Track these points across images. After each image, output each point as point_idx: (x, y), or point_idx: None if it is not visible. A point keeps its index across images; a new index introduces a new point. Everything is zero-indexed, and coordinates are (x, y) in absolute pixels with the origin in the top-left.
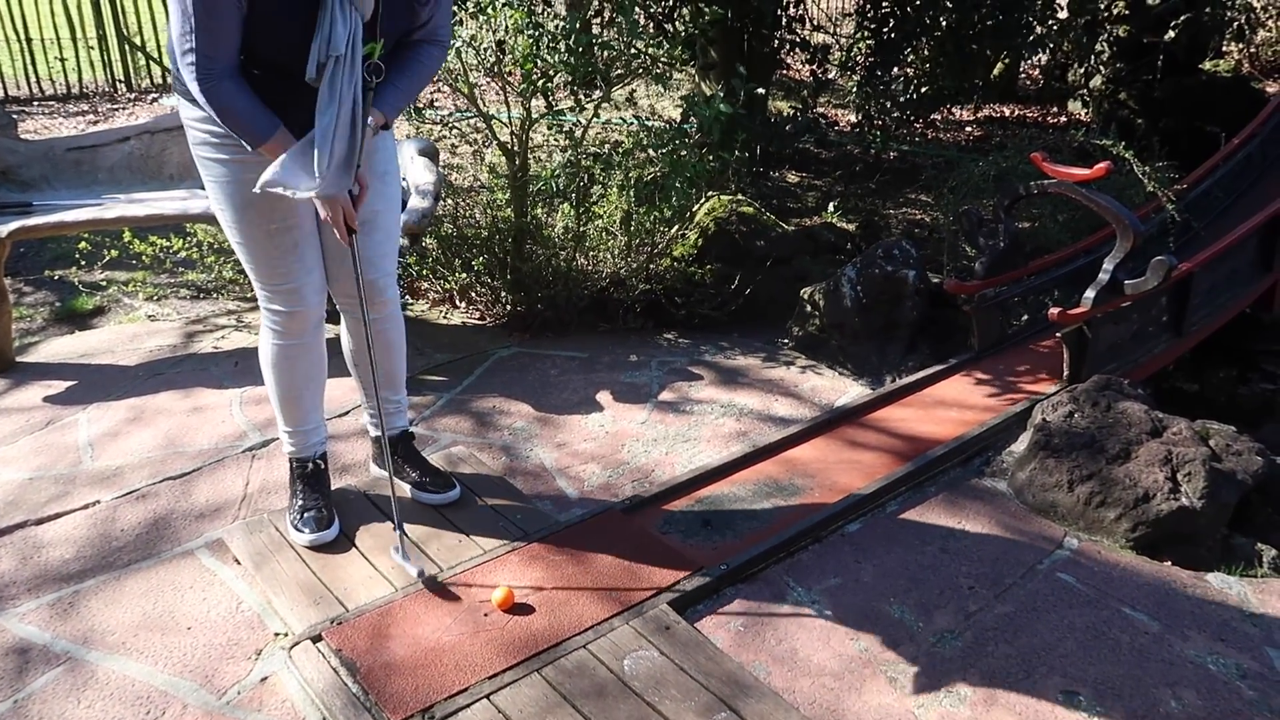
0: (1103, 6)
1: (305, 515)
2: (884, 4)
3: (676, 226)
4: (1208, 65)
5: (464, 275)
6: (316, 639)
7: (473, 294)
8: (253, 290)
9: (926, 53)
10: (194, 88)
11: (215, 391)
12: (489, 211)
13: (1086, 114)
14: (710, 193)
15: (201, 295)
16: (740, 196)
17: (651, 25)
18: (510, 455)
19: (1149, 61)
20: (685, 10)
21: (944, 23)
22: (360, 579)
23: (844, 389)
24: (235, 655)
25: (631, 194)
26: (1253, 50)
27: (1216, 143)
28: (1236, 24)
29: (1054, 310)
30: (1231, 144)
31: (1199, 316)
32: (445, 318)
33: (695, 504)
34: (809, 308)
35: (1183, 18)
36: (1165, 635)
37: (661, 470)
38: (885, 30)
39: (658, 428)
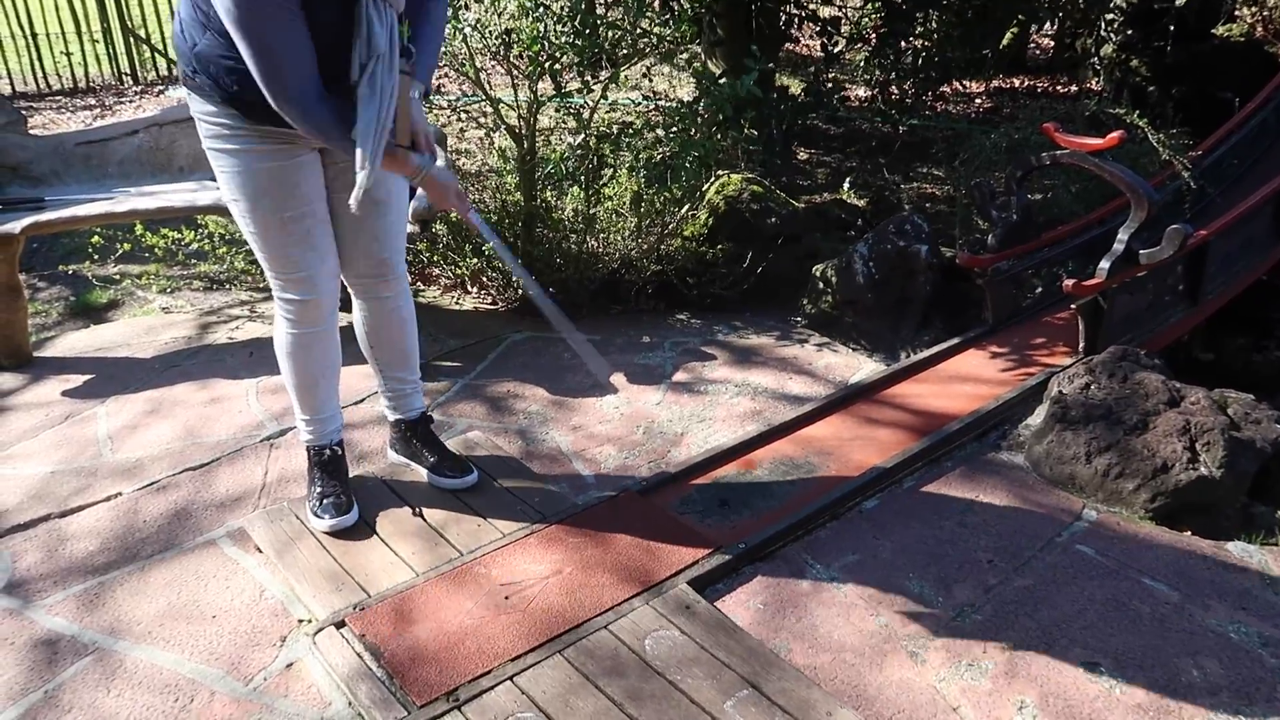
0: None
1: (324, 502)
2: None
3: (687, 206)
4: (1220, 30)
5: (475, 260)
6: (340, 625)
7: (484, 279)
8: (265, 280)
9: (936, 24)
10: (299, 125)
11: (231, 382)
12: (498, 195)
13: (1097, 83)
14: (721, 171)
15: (214, 286)
16: (751, 175)
17: (657, 3)
18: (526, 439)
19: (1160, 28)
20: None
21: None
22: (381, 565)
23: (858, 366)
24: (260, 642)
25: (642, 175)
26: (1266, 13)
27: (1230, 109)
28: None
29: (1068, 282)
30: (1245, 110)
31: (1215, 285)
32: (458, 304)
33: (712, 484)
34: (821, 285)
35: None
36: (1186, 605)
37: (677, 451)
38: (896, 0)
39: (672, 408)
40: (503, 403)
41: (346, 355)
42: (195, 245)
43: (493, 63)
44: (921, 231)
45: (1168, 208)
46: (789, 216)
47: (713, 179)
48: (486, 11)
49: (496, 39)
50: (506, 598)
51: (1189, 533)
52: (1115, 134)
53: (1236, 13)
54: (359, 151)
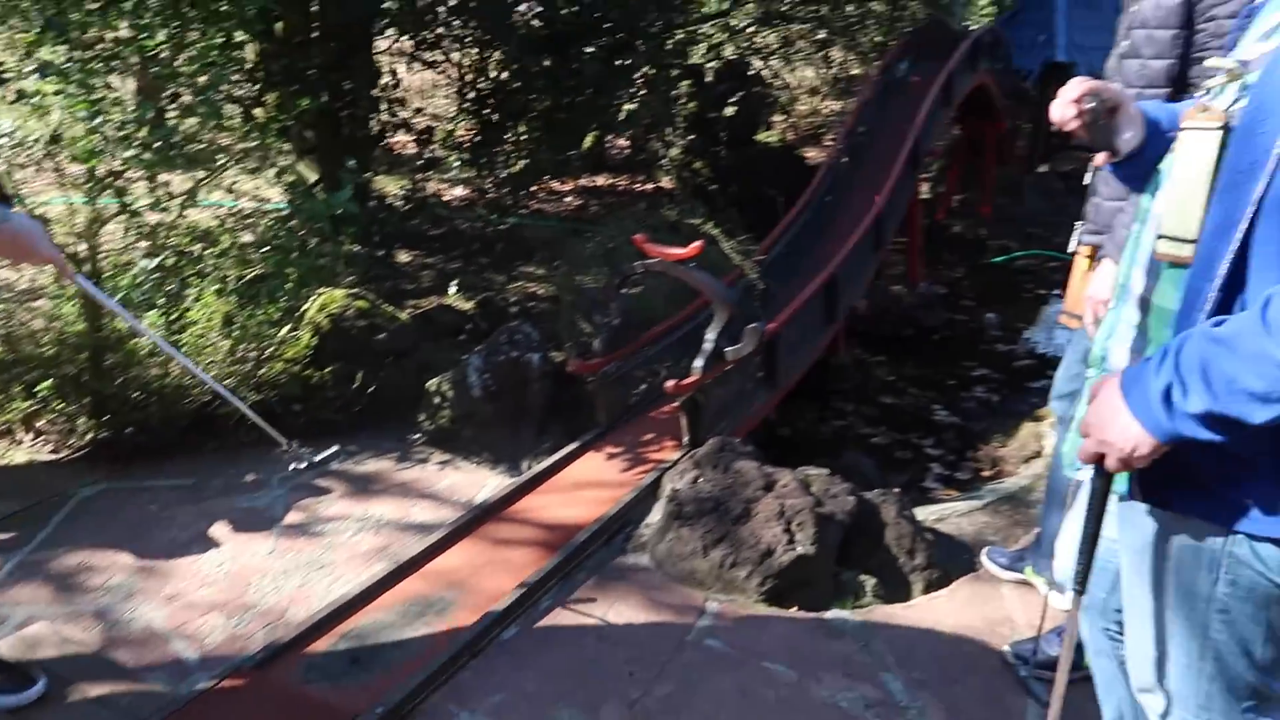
0: (674, 90)
1: None
2: (480, 87)
3: (287, 327)
4: (761, 136)
5: (26, 402)
6: None
7: (40, 423)
8: None
9: (525, 131)
10: None
11: None
12: (53, 325)
13: (669, 180)
14: (322, 288)
15: None
16: (356, 289)
17: (240, 112)
18: (108, 622)
19: (714, 135)
20: (270, 97)
21: (543, 103)
22: None
23: (482, 481)
24: None
25: (233, 294)
26: (793, 122)
27: (775, 205)
28: (779, 101)
29: (670, 383)
30: (791, 212)
31: (787, 368)
32: (4, 457)
33: (340, 641)
34: (437, 400)
35: (738, 96)
36: (802, 682)
37: (297, 608)
38: (487, 111)
39: (288, 557)
40: (74, 579)
41: None
42: None
43: (36, 171)
44: (532, 340)
45: (742, 301)
46: (399, 331)
47: (314, 296)
48: (26, 119)
49: (39, 141)
50: None
51: (795, 609)
52: (696, 244)
53: (772, 122)
54: None
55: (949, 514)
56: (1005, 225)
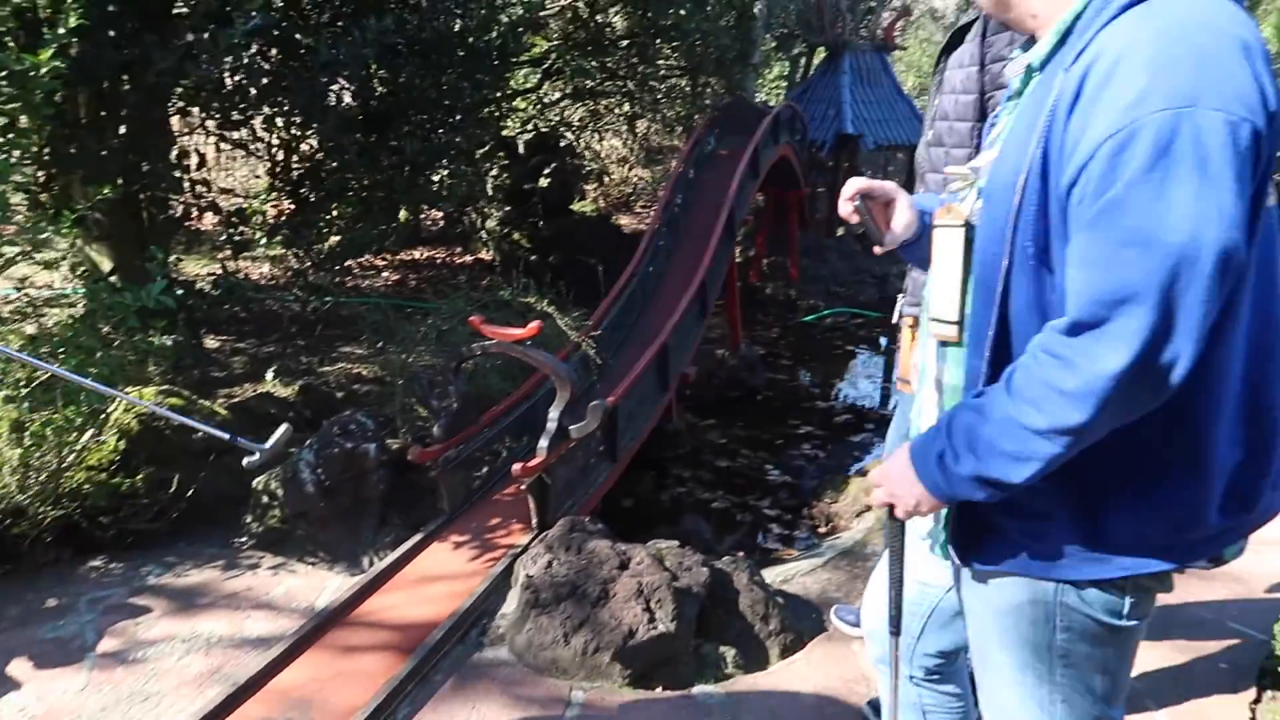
0: (489, 163)
1: None
2: (295, 166)
3: (90, 432)
4: (576, 206)
5: None
6: None
7: None
8: None
9: (343, 208)
10: None
11: None
12: None
13: (487, 253)
14: (130, 387)
15: None
16: (168, 386)
17: (25, 200)
18: None
19: (530, 206)
20: (61, 183)
21: (360, 180)
22: None
23: (322, 583)
24: None
25: (24, 400)
26: (605, 191)
27: (596, 272)
28: (591, 171)
29: (516, 466)
30: (618, 285)
31: (626, 440)
32: None
33: None
34: (267, 499)
35: (551, 167)
36: None
37: None
38: (303, 191)
39: (104, 691)
40: None
41: None
42: None
43: None
44: (367, 429)
45: (580, 377)
46: (220, 427)
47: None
48: None
49: None
50: None
51: (661, 688)
52: (534, 323)
53: (586, 192)
54: None
55: (793, 574)
56: (812, 286)
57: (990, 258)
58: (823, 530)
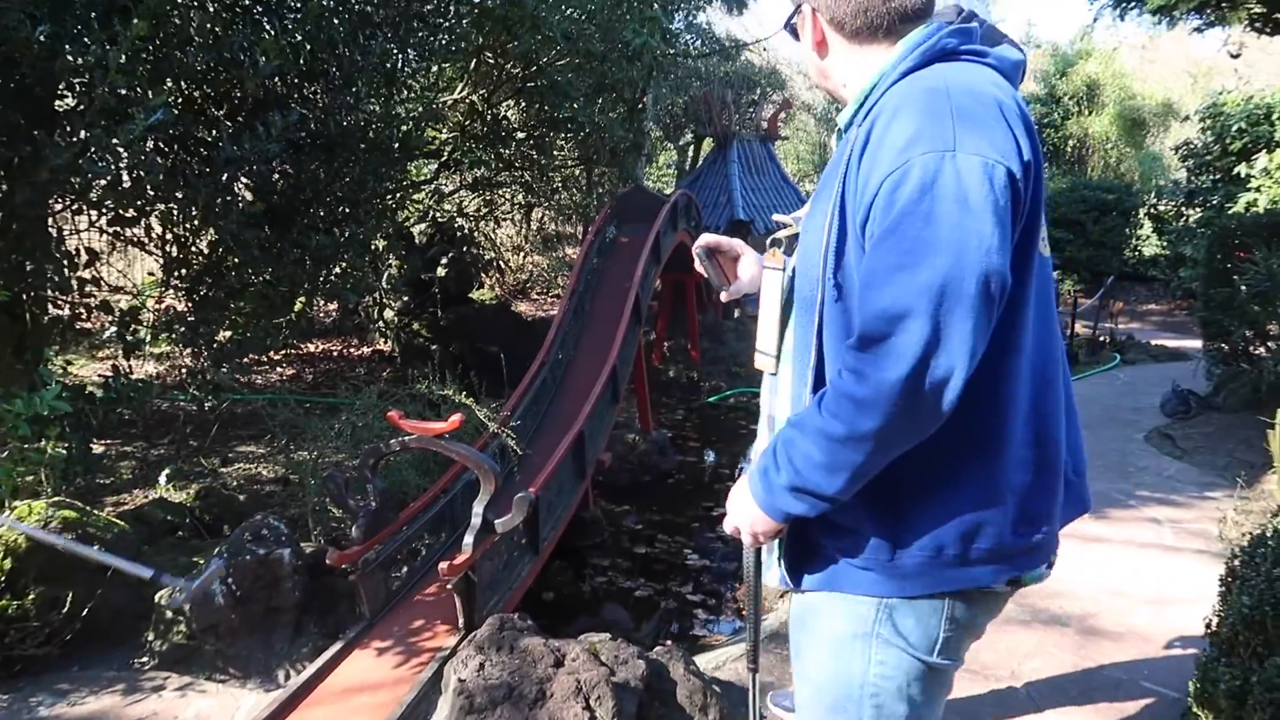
0: (388, 254)
1: None
2: (193, 263)
3: None
4: (475, 294)
5: None
6: None
7: None
8: None
9: (241, 304)
10: None
11: None
12: None
13: (385, 343)
14: (16, 502)
15: None
16: (59, 498)
17: None
18: None
19: (430, 295)
20: None
21: (261, 276)
22: None
23: (236, 702)
24: None
25: None
26: (502, 279)
27: (498, 361)
28: (489, 259)
29: (443, 565)
30: (529, 372)
31: (547, 530)
32: None
33: None
34: (170, 613)
35: (449, 256)
36: None
37: None
38: (203, 290)
39: None
40: None
41: None
42: None
43: None
44: (281, 535)
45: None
46: (118, 540)
47: (6, 512)
48: None
49: None
50: None
51: None
52: (456, 417)
53: (485, 280)
54: None
55: (724, 660)
56: (713, 366)
57: (808, 294)
58: (747, 612)
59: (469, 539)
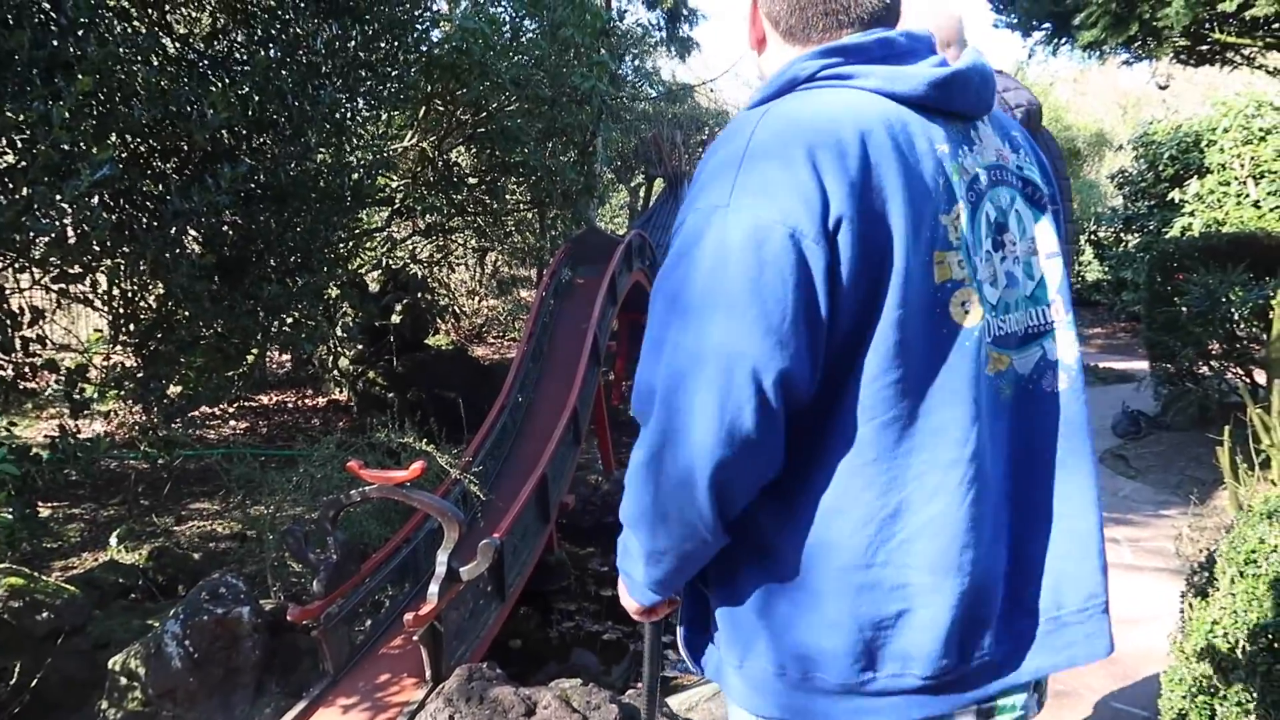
0: (340, 303)
1: None
2: (142, 318)
3: None
4: (431, 340)
5: None
6: None
7: None
8: None
9: (192, 358)
10: None
11: None
12: None
13: (340, 392)
14: None
15: None
16: (6, 565)
17: None
18: None
19: (385, 343)
20: None
21: (216, 330)
22: None
23: None
24: None
25: None
26: (459, 325)
27: (456, 406)
28: (444, 305)
29: (409, 616)
30: (489, 417)
31: (513, 576)
32: None
33: None
34: (125, 680)
35: (403, 303)
36: None
37: None
38: (153, 345)
39: None
40: None
41: None
42: None
43: None
44: (239, 592)
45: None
46: (68, 606)
47: None
48: None
49: None
50: None
51: None
52: (417, 465)
53: (440, 326)
54: None
55: (697, 700)
56: None
57: None
58: None
59: (434, 588)
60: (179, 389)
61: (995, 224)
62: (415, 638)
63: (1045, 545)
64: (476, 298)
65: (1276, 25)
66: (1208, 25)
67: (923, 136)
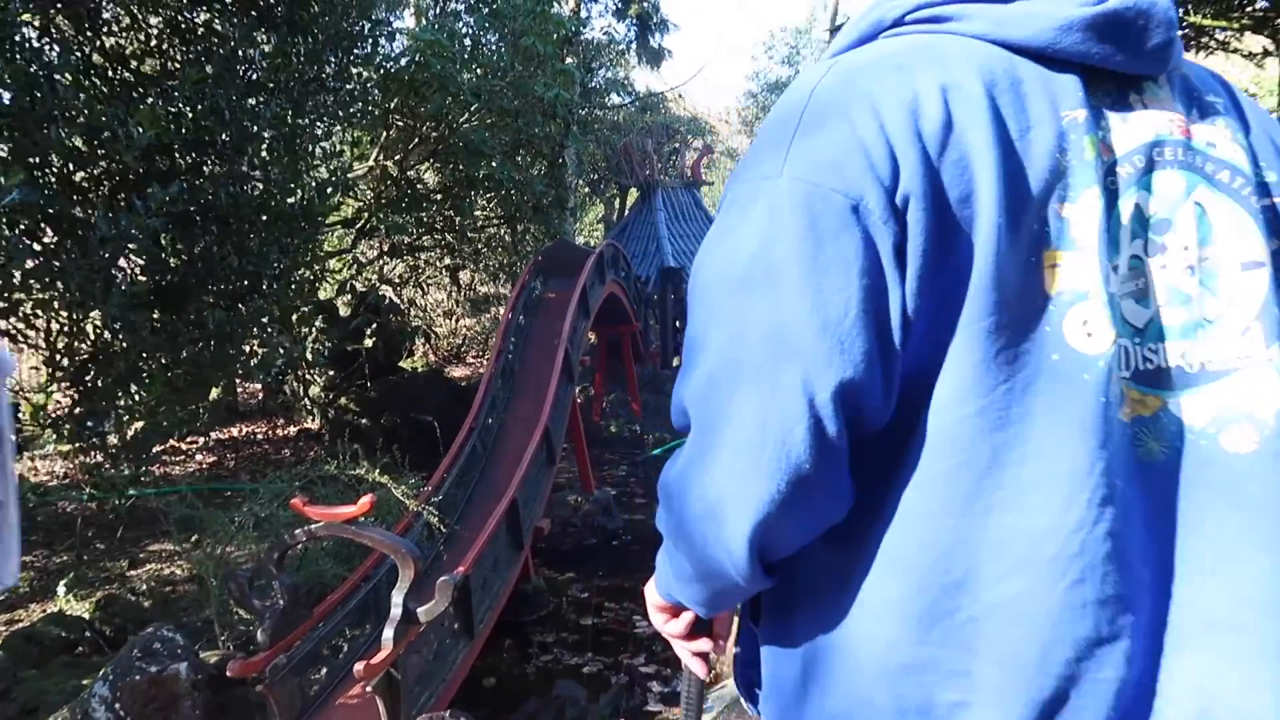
0: (307, 329)
1: None
2: (78, 352)
3: None
4: (406, 363)
5: None
6: None
7: None
8: None
9: (140, 392)
10: None
11: None
12: None
13: (312, 420)
14: None
15: None
16: None
17: None
18: None
19: (358, 367)
20: None
21: (158, 361)
22: None
23: None
24: None
25: None
26: (433, 344)
27: (432, 430)
28: (417, 327)
29: (359, 666)
30: (456, 442)
31: (483, 610)
32: None
33: None
34: None
35: (374, 326)
36: None
37: None
38: (88, 379)
39: None
40: None
41: None
42: None
43: None
44: (175, 647)
45: (421, 545)
46: None
47: None
48: None
49: None
50: None
51: None
52: (366, 499)
53: (414, 348)
54: None
55: None
56: (655, 418)
57: None
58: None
59: (388, 633)
60: (137, 426)
61: (1153, 220)
62: (369, 689)
63: (1196, 659)
64: (453, 318)
65: (1254, 7)
66: (1181, 8)
67: (1041, 98)
